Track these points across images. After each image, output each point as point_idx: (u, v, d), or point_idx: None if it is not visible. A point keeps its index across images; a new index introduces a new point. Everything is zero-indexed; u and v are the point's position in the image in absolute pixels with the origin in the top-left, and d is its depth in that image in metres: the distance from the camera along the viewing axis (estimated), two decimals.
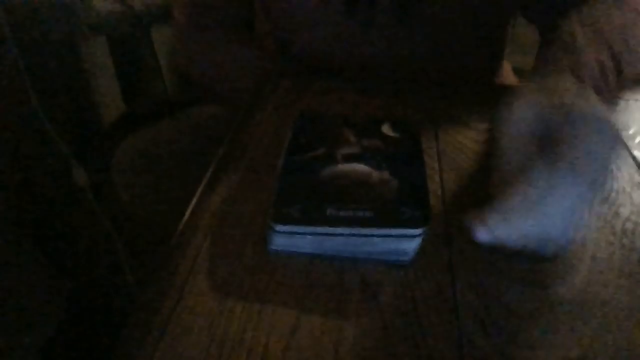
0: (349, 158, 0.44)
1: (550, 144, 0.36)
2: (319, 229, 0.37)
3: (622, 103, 0.61)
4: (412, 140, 0.48)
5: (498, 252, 0.36)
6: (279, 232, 0.38)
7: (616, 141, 0.36)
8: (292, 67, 0.72)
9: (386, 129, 0.49)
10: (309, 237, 0.38)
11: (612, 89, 0.45)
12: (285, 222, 0.37)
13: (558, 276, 0.37)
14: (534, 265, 0.38)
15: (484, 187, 0.39)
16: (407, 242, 0.38)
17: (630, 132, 0.55)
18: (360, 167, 0.43)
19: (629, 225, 0.42)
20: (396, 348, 0.32)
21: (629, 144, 0.53)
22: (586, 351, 0.32)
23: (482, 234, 0.35)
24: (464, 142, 0.51)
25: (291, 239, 0.38)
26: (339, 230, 0.37)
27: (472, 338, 0.33)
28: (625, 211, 0.44)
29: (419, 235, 0.38)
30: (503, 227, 0.34)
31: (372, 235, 0.37)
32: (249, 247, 0.39)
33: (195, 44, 0.75)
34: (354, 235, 0.37)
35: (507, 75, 0.80)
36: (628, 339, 0.33)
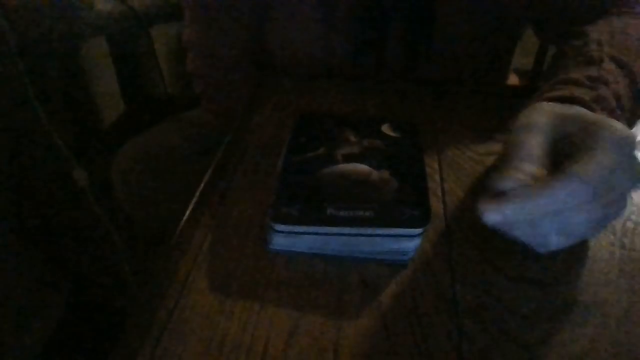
0: (349, 158, 0.44)
1: (565, 149, 0.36)
2: (319, 229, 0.37)
3: None
4: (412, 140, 0.48)
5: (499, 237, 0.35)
6: (278, 231, 0.37)
7: (634, 164, 0.35)
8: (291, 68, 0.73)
9: (386, 128, 0.49)
10: (308, 237, 0.38)
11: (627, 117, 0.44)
12: (285, 222, 0.37)
13: (558, 276, 0.37)
14: (534, 265, 0.38)
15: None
16: (406, 242, 0.37)
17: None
18: (360, 167, 0.43)
19: (629, 225, 0.42)
20: (396, 348, 0.32)
21: None
22: (586, 351, 0.32)
23: (491, 215, 0.34)
24: (464, 142, 0.51)
25: (291, 239, 0.38)
26: (339, 230, 0.37)
27: (472, 337, 0.33)
28: (625, 211, 0.43)
29: (419, 235, 0.37)
30: (512, 210, 0.34)
31: (372, 235, 0.37)
32: (249, 247, 0.39)
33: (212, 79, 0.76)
34: (353, 235, 0.37)
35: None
36: (628, 339, 0.33)
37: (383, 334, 0.33)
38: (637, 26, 0.51)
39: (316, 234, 0.38)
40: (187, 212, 0.43)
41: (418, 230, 0.37)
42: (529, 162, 0.35)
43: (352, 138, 0.47)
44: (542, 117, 0.37)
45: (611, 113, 0.40)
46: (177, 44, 0.84)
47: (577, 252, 0.39)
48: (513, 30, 0.70)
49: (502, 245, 0.39)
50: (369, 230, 0.37)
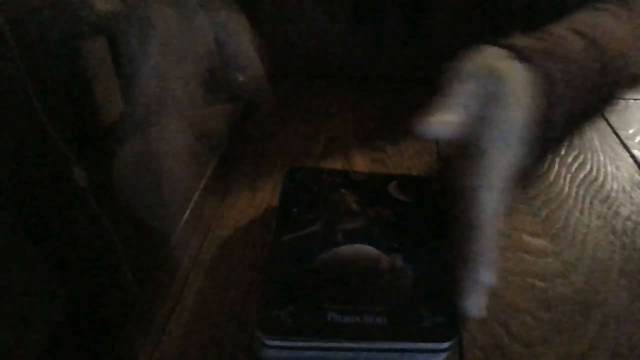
0: (352, 235, 0.36)
1: None
2: (319, 342, 0.29)
3: (621, 102, 0.61)
4: (428, 207, 0.40)
5: None
6: (268, 345, 0.29)
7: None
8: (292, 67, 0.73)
9: (394, 189, 0.41)
10: (307, 351, 0.30)
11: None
12: (275, 333, 0.29)
13: (558, 275, 0.37)
14: (535, 264, 0.38)
15: None
16: (429, 357, 0.30)
17: (630, 131, 0.55)
18: (366, 250, 0.35)
19: (629, 225, 0.42)
20: None
21: (629, 143, 0.53)
22: (586, 350, 0.32)
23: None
24: None
25: (285, 353, 0.30)
26: (343, 344, 0.30)
27: (473, 336, 0.33)
28: (625, 211, 0.44)
29: (445, 350, 0.30)
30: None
31: (386, 350, 0.30)
32: (249, 246, 0.39)
33: None
34: (362, 349, 0.30)
35: None
36: (628, 339, 0.33)
37: None
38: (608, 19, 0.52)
39: (316, 348, 0.30)
40: (187, 212, 0.43)
41: (443, 345, 0.30)
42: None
43: (354, 206, 0.39)
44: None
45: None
46: None
47: (577, 252, 0.39)
48: (513, 28, 0.70)
49: (502, 244, 0.39)
50: (382, 345, 0.30)
